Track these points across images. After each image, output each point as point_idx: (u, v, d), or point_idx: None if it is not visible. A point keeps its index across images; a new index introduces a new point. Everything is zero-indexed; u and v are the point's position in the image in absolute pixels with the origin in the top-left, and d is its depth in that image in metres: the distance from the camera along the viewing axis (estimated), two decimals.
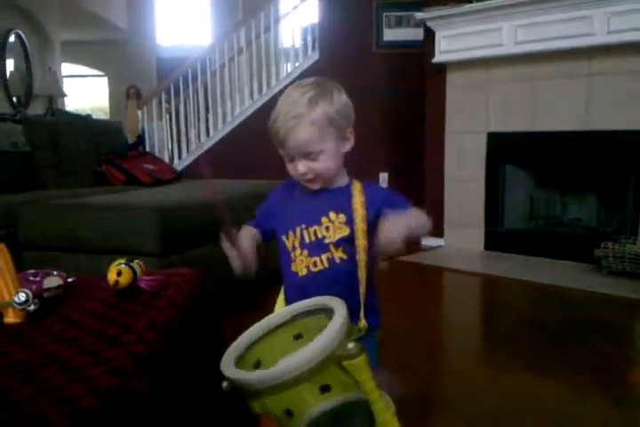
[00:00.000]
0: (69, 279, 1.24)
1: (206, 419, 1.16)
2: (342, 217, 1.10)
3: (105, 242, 2.20)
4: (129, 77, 7.08)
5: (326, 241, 1.10)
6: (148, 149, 4.92)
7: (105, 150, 3.33)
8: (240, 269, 1.07)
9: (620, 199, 3.49)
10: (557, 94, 3.46)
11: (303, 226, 1.11)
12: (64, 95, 6.14)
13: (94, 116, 8.17)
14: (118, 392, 0.79)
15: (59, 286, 1.18)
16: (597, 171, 3.57)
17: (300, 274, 1.11)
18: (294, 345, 0.93)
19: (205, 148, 5.09)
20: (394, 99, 5.04)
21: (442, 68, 3.95)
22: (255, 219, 1.22)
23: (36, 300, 1.06)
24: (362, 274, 1.07)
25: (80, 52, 7.89)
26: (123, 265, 1.19)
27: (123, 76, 7.50)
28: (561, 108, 3.45)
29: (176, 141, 5.16)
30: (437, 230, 3.97)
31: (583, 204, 3.74)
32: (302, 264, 1.11)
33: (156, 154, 4.97)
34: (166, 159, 5.01)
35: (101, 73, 8.51)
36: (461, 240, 3.93)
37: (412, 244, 3.98)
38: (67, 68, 7.84)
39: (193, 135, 5.15)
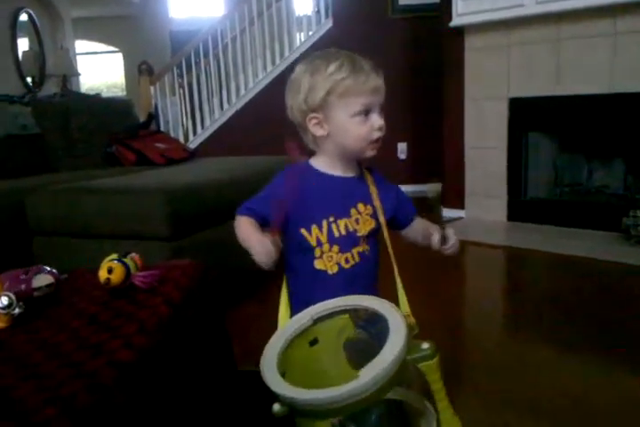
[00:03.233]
0: (62, 276, 1.19)
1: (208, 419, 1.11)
2: (370, 209, 1.07)
3: (114, 226, 2.15)
4: (143, 52, 6.98)
5: (358, 234, 1.05)
6: (162, 125, 4.85)
7: (116, 130, 3.27)
8: (271, 259, 0.95)
9: None
10: (582, 56, 3.29)
11: (331, 218, 1.03)
12: (77, 74, 6.07)
13: (110, 94, 8.17)
14: (97, 408, 0.74)
15: (49, 285, 1.13)
16: (625, 135, 3.41)
17: (330, 272, 1.03)
18: (312, 352, 0.87)
19: (222, 120, 5.01)
20: (411, 66, 4.88)
21: (460, 31, 3.80)
22: (252, 209, 1.07)
23: (21, 303, 1.01)
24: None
25: (93, 29, 7.81)
26: (115, 261, 1.13)
27: (137, 52, 7.39)
28: (586, 70, 3.28)
29: (190, 117, 5.08)
30: (458, 201, 3.87)
31: (610, 170, 3.59)
32: (332, 261, 1.03)
33: (170, 131, 4.92)
34: (180, 136, 4.95)
35: (115, 49, 8.42)
36: (483, 211, 3.81)
37: (433, 216, 3.89)
38: (82, 45, 7.77)
39: (207, 110, 5.05)
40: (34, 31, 5.62)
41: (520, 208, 3.70)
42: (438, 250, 1.10)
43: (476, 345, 2.01)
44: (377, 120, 1.02)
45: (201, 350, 1.18)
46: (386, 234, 1.08)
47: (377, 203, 1.07)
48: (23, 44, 5.50)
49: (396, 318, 0.82)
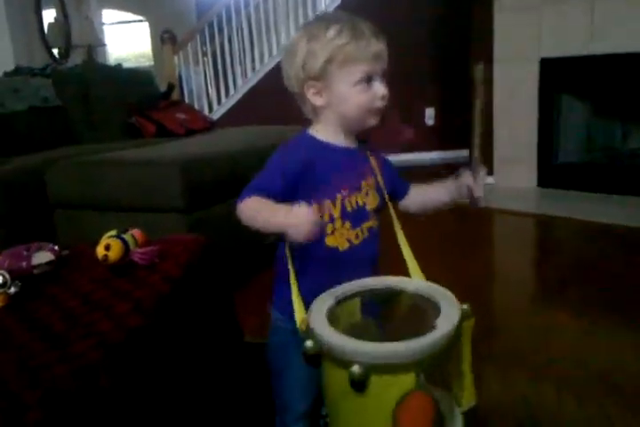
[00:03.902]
0: (63, 253, 1.18)
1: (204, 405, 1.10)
2: (374, 182, 1.03)
3: (132, 199, 2.15)
4: (169, 21, 6.90)
5: (368, 208, 1.00)
6: (185, 95, 4.81)
7: (136, 100, 3.24)
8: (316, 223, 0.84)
9: None
10: (618, 11, 3.12)
11: (344, 193, 0.97)
12: (103, 44, 6.04)
13: (138, 64, 8.15)
14: (83, 392, 0.72)
15: (50, 262, 1.12)
16: None
17: (340, 248, 0.98)
18: None
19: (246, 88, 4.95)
20: (439, 28, 4.73)
21: None
22: (259, 188, 0.94)
23: (17, 281, 1.00)
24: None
25: None
26: (113, 238, 1.11)
27: (162, 20, 7.31)
28: (622, 27, 3.12)
29: (214, 86, 5.03)
30: (486, 167, 3.76)
31: None
32: (343, 237, 0.98)
33: (195, 100, 4.88)
34: (205, 105, 4.91)
35: (142, 18, 8.36)
36: (512, 177, 3.71)
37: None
38: (109, 15, 7.73)
39: (231, 79, 4.99)
40: (59, 2, 5.60)
41: (551, 174, 3.59)
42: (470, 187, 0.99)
43: (503, 315, 1.97)
44: (380, 88, 0.96)
45: (203, 326, 1.16)
46: (391, 207, 1.04)
47: (379, 176, 1.03)
48: (49, 16, 5.48)
49: (433, 287, 0.85)
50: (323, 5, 5.03)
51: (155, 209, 2.10)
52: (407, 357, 0.69)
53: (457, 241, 2.79)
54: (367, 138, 1.07)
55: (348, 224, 0.98)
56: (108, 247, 1.08)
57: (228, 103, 4.99)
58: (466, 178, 1.00)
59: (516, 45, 3.59)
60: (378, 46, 0.96)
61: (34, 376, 0.73)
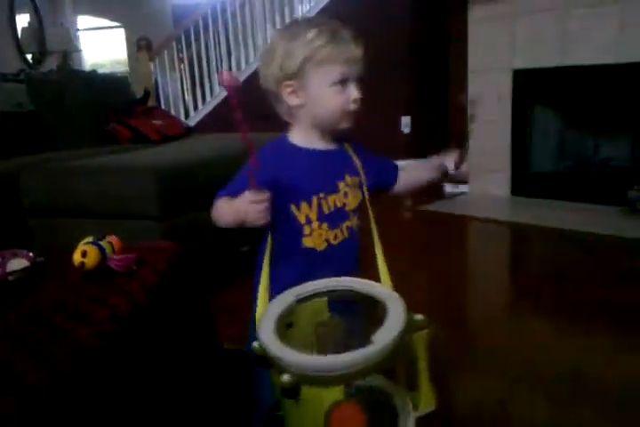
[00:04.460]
0: (38, 259, 1.16)
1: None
2: (356, 180, 1.04)
3: (107, 206, 2.13)
4: (145, 27, 6.87)
5: (347, 208, 1.02)
6: (162, 101, 4.79)
7: (112, 107, 3.22)
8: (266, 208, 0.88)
9: None
10: (589, 25, 3.19)
11: (321, 195, 0.99)
12: (78, 50, 5.99)
13: (114, 70, 8.09)
14: (59, 400, 0.72)
15: (25, 269, 1.11)
16: (632, 107, 3.33)
17: (318, 249, 1.00)
18: (287, 336, 0.82)
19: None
20: (415, 37, 4.78)
21: (464, 1, 3.69)
22: (228, 191, 1.00)
23: None
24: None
25: (94, 4, 7.67)
26: (89, 244, 1.10)
27: (138, 27, 7.28)
28: (593, 40, 3.18)
29: (191, 93, 5.02)
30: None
31: (616, 143, 3.53)
32: (321, 238, 1.00)
33: (171, 106, 4.87)
34: (181, 111, 4.89)
35: (117, 24, 8.30)
36: (487, 186, 3.76)
37: (435, 191, 3.85)
38: (84, 21, 7.66)
39: (208, 86, 4.99)
40: (33, 7, 5.54)
41: (524, 182, 3.64)
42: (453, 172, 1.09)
43: (476, 320, 2.00)
44: (354, 91, 0.98)
45: (179, 333, 1.16)
46: (369, 208, 1.04)
47: (362, 174, 1.04)
48: (22, 21, 5.42)
49: (389, 293, 0.82)
50: (300, 14, 5.06)
51: (129, 216, 2.09)
52: (332, 371, 0.70)
53: (431, 248, 2.81)
54: (348, 136, 1.08)
55: (325, 225, 0.99)
56: (84, 254, 1.07)
57: (204, 110, 4.98)
58: (451, 156, 1.07)
59: (490, 56, 3.65)
60: (356, 51, 0.98)
61: (7, 384, 0.73)
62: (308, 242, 0.99)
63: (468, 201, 3.67)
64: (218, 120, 4.81)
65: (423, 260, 2.61)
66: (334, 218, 1.00)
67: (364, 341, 0.72)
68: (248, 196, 0.88)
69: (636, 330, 1.81)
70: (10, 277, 1.08)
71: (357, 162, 1.05)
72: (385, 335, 0.72)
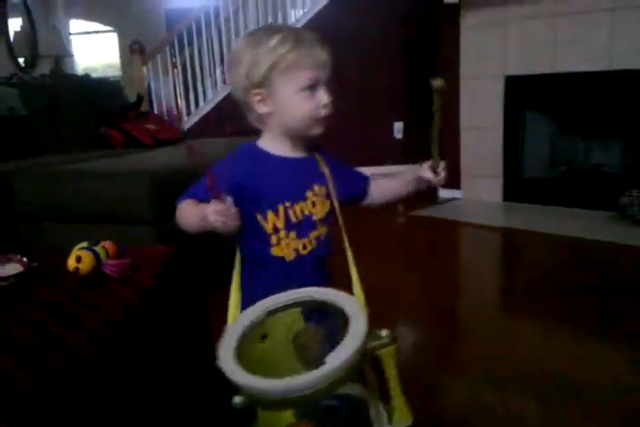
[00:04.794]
0: (32, 264, 1.16)
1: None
2: (324, 190, 1.02)
3: (100, 211, 2.13)
4: (137, 31, 6.86)
5: (315, 218, 1.00)
6: (154, 106, 4.79)
7: (105, 111, 3.22)
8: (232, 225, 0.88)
9: None
10: (580, 32, 3.22)
11: (287, 204, 0.97)
12: (70, 54, 5.98)
13: (107, 74, 8.07)
14: (53, 407, 0.72)
15: (19, 274, 1.11)
16: (623, 114, 3.36)
17: (287, 259, 0.98)
18: (262, 347, 0.83)
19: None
20: (408, 43, 4.80)
21: (456, 8, 3.71)
22: (189, 194, 1.03)
23: None
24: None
25: (87, 8, 7.66)
26: (84, 250, 1.10)
27: (131, 31, 7.27)
28: (584, 47, 3.21)
29: (184, 97, 5.01)
30: (454, 182, 3.83)
31: (607, 149, 3.56)
32: (289, 248, 0.98)
33: (164, 111, 4.86)
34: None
35: (110, 28, 8.29)
36: (479, 191, 3.77)
37: (428, 196, 3.86)
38: (76, 25, 7.65)
39: (201, 91, 4.99)
40: (25, 11, 5.53)
41: (516, 188, 3.66)
42: (430, 180, 1.04)
43: (467, 324, 2.00)
44: (323, 96, 0.96)
45: (175, 338, 1.16)
46: (340, 218, 1.02)
47: (330, 183, 1.02)
48: (15, 24, 5.41)
49: (354, 307, 0.79)
50: (293, 19, 5.07)
51: (123, 221, 2.08)
52: (280, 394, 0.69)
53: (424, 253, 2.82)
54: (318, 145, 1.07)
55: (293, 234, 0.98)
56: (79, 259, 1.07)
57: (197, 115, 4.98)
58: (424, 172, 1.03)
59: (482, 63, 3.67)
60: (321, 55, 0.96)
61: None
62: (276, 251, 0.98)
63: (461, 206, 3.69)
64: (211, 125, 4.81)
65: (415, 264, 2.61)
66: (302, 227, 0.99)
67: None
68: (212, 206, 0.86)
69: (625, 334, 1.83)
70: (4, 283, 1.08)
71: (326, 171, 1.03)
72: (338, 356, 0.70)
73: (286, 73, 0.94)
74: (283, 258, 0.98)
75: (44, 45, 5.58)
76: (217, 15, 4.89)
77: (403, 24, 4.79)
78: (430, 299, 2.20)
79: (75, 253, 1.09)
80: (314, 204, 1.00)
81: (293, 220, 0.98)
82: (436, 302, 2.18)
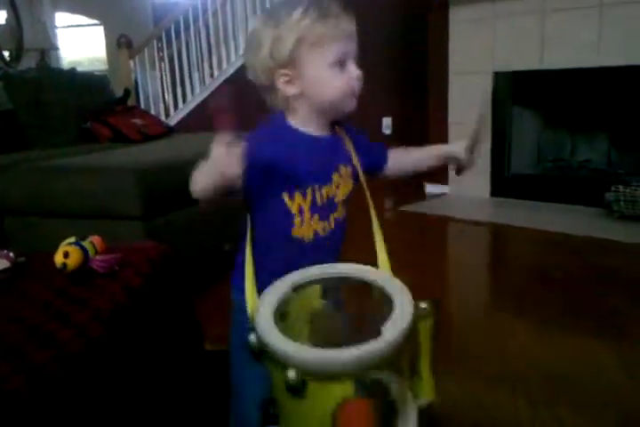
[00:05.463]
0: (19, 260, 1.15)
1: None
2: (350, 169, 0.99)
3: (86, 206, 2.11)
4: (124, 25, 6.82)
5: (337, 200, 0.97)
6: (141, 100, 4.75)
7: (91, 105, 3.18)
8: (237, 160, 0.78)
9: (633, 139, 3.32)
10: (567, 28, 3.23)
11: (316, 186, 0.93)
12: (56, 48, 5.92)
13: (93, 68, 8.00)
14: (42, 404, 0.71)
15: (5, 270, 1.09)
16: (609, 109, 3.38)
17: (306, 239, 0.95)
18: (283, 327, 0.76)
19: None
20: (397, 38, 4.80)
21: (445, 3, 3.71)
22: None
23: None
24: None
25: (73, 1, 7.59)
26: (72, 245, 1.09)
27: (118, 25, 7.21)
28: (571, 44, 3.22)
29: (172, 92, 4.97)
30: (441, 177, 3.84)
31: (593, 145, 3.57)
32: (310, 229, 0.95)
33: (151, 105, 4.83)
34: (161, 111, 4.86)
35: (96, 22, 8.22)
36: (466, 187, 3.78)
37: (416, 192, 3.86)
38: (62, 18, 7.57)
39: (189, 85, 4.96)
40: (10, 4, 5.46)
41: (503, 184, 3.67)
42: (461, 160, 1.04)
43: (456, 321, 2.00)
44: (354, 69, 0.92)
45: (163, 334, 1.15)
46: (367, 193, 1.00)
47: (356, 161, 0.99)
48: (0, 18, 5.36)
49: (393, 281, 0.79)
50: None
51: (111, 216, 2.07)
52: (342, 366, 0.67)
53: (411, 248, 2.83)
54: (344, 120, 1.02)
55: (317, 216, 0.95)
56: (66, 255, 1.06)
57: (185, 109, 4.95)
58: (458, 149, 1.04)
59: (470, 58, 3.67)
60: (349, 25, 0.92)
61: None
62: (297, 233, 0.94)
63: (448, 202, 3.70)
64: (199, 120, 4.78)
65: (403, 260, 2.60)
66: (325, 209, 0.96)
67: (365, 331, 0.70)
68: (219, 139, 0.79)
69: (615, 331, 1.84)
70: None
71: (351, 149, 1.00)
72: (395, 326, 0.69)
73: (314, 48, 0.88)
74: (302, 239, 0.95)
75: (29, 39, 5.52)
76: (204, 9, 4.86)
77: (391, 19, 4.79)
78: (417, 295, 2.20)
79: (62, 248, 1.08)
80: (338, 185, 0.97)
81: (319, 202, 0.94)
82: (423, 297, 2.18)
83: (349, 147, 1.00)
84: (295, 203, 0.93)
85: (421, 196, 3.82)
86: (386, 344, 0.67)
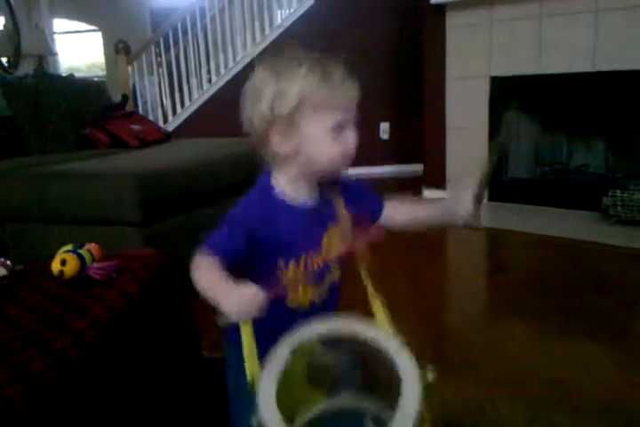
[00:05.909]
0: (16, 267, 1.15)
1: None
2: (338, 230, 0.95)
3: (85, 212, 2.11)
4: (122, 31, 6.83)
5: (330, 263, 0.94)
6: (140, 106, 4.76)
7: (89, 111, 3.19)
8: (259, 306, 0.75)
9: (630, 144, 3.33)
10: (563, 33, 3.24)
11: (310, 253, 0.91)
12: (54, 54, 5.93)
13: (91, 74, 8.02)
14: (39, 413, 0.71)
15: (2, 277, 1.10)
16: (606, 114, 3.39)
17: (302, 308, 0.92)
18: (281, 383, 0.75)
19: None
20: (394, 43, 4.82)
21: (441, 8, 3.73)
22: (217, 245, 0.86)
23: None
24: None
25: (71, 7, 7.61)
26: (69, 253, 1.09)
27: (115, 30, 7.23)
28: (567, 48, 3.24)
29: (169, 97, 4.99)
30: (439, 182, 3.84)
31: (590, 150, 3.58)
32: (306, 297, 0.92)
33: (149, 111, 4.84)
34: (159, 116, 4.87)
35: (95, 28, 8.24)
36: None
37: (416, 197, 3.86)
38: (60, 24, 7.60)
39: (186, 90, 4.97)
40: (8, 10, 5.47)
41: (501, 188, 3.67)
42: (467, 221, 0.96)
43: (454, 326, 2.01)
44: (352, 136, 0.89)
45: (161, 342, 1.15)
46: (360, 251, 0.95)
47: (345, 221, 0.95)
48: None
49: (404, 358, 0.73)
50: (279, 19, 5.07)
51: (109, 222, 2.07)
52: None
53: (409, 254, 2.83)
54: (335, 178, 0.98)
55: (312, 283, 0.92)
56: (63, 262, 1.06)
57: (183, 114, 4.96)
58: (465, 196, 0.95)
59: (468, 63, 3.68)
60: (352, 92, 0.89)
61: None
62: (292, 302, 0.92)
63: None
64: (197, 125, 4.79)
65: (401, 266, 2.62)
66: (319, 276, 0.93)
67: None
68: (253, 293, 0.75)
69: (612, 335, 1.84)
70: None
71: (341, 205, 0.96)
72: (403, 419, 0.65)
73: (315, 110, 0.85)
74: (297, 308, 0.92)
75: (27, 45, 5.53)
76: (203, 15, 4.88)
77: (388, 25, 4.81)
78: (416, 301, 2.20)
79: (59, 256, 1.08)
80: (328, 249, 0.93)
81: (313, 268, 0.92)
82: (421, 303, 2.18)
83: (342, 210, 0.96)
84: (291, 271, 0.90)
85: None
86: None
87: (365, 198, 1.03)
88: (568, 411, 1.41)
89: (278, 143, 0.88)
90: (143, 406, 1.01)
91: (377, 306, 0.91)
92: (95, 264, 1.10)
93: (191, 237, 2.15)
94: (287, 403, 0.72)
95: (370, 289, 0.93)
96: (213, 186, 2.38)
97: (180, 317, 1.31)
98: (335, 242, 0.94)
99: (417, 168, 4.38)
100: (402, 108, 4.88)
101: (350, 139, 0.88)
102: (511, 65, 3.49)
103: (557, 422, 1.37)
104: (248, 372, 0.77)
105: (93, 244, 1.18)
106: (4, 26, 5.41)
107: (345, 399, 0.76)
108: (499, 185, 3.67)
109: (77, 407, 0.79)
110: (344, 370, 0.79)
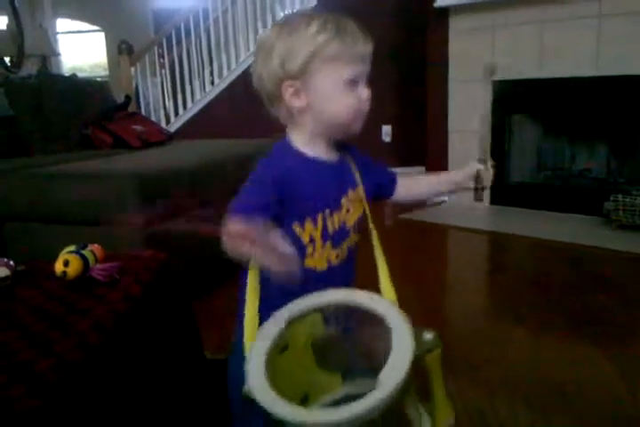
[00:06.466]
0: (18, 268, 1.15)
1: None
2: (357, 194, 0.95)
3: (86, 213, 2.11)
4: (125, 31, 6.84)
5: (347, 226, 0.93)
6: (142, 106, 4.76)
7: (92, 112, 3.19)
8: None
9: (632, 149, 3.32)
10: (566, 38, 3.25)
11: (327, 212, 0.89)
12: (57, 54, 5.93)
13: (94, 74, 8.02)
14: (42, 414, 0.71)
15: (5, 278, 1.09)
16: (608, 118, 3.39)
17: (318, 269, 0.91)
18: (282, 360, 0.75)
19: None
20: (398, 46, 4.82)
21: (445, 12, 3.73)
22: (251, 205, 0.83)
23: None
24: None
25: (74, 7, 7.62)
26: (72, 253, 1.09)
27: (119, 31, 7.24)
28: (570, 53, 3.24)
29: (172, 98, 4.98)
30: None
31: (593, 154, 3.58)
32: (323, 258, 0.90)
33: (151, 112, 4.84)
34: (162, 117, 4.87)
35: (97, 28, 8.25)
36: (466, 195, 3.76)
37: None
38: (64, 24, 7.60)
39: (189, 91, 4.97)
40: (12, 10, 5.48)
41: (503, 192, 3.67)
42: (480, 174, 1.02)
43: (455, 329, 2.00)
44: (364, 91, 0.89)
45: (163, 343, 1.15)
46: (371, 220, 0.96)
47: (361, 187, 0.96)
48: (1, 23, 5.36)
49: (396, 316, 0.73)
50: None
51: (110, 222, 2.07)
52: (335, 425, 0.62)
53: (411, 256, 2.83)
54: (347, 143, 0.99)
55: (329, 244, 0.91)
56: (66, 263, 1.06)
57: (185, 115, 4.96)
58: (474, 167, 1.01)
59: (470, 67, 3.68)
60: (365, 47, 0.90)
61: None
62: (309, 263, 0.90)
63: (448, 210, 3.70)
64: (199, 126, 4.79)
65: (402, 268, 2.61)
66: (337, 237, 0.92)
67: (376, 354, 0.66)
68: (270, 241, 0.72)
69: (613, 339, 1.84)
70: None
71: (357, 173, 0.97)
72: (392, 377, 0.64)
73: (327, 64, 0.85)
74: (314, 269, 0.91)
75: (30, 45, 5.53)
76: (205, 16, 4.88)
77: (392, 27, 4.81)
78: (417, 302, 2.20)
79: (62, 256, 1.08)
80: (348, 210, 0.93)
81: (330, 230, 0.90)
82: (423, 305, 2.18)
83: (356, 173, 0.96)
84: (306, 232, 0.89)
85: (421, 204, 3.82)
86: (381, 400, 0.62)
87: (378, 171, 1.05)
88: (569, 415, 1.41)
89: (290, 98, 0.87)
90: (146, 408, 1.00)
91: (381, 265, 0.91)
92: (98, 265, 1.10)
93: (192, 239, 2.15)
94: (296, 385, 0.72)
95: (377, 246, 0.94)
96: (215, 187, 2.38)
97: (182, 317, 1.30)
98: (355, 206, 0.94)
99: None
100: (404, 110, 4.87)
101: (364, 94, 0.89)
102: (514, 69, 3.49)
103: (557, 425, 1.37)
104: (246, 345, 0.76)
105: (96, 245, 1.18)
106: (8, 26, 5.42)
107: (360, 385, 0.74)
108: (501, 189, 3.67)
109: (80, 408, 0.79)
110: (351, 354, 0.79)
